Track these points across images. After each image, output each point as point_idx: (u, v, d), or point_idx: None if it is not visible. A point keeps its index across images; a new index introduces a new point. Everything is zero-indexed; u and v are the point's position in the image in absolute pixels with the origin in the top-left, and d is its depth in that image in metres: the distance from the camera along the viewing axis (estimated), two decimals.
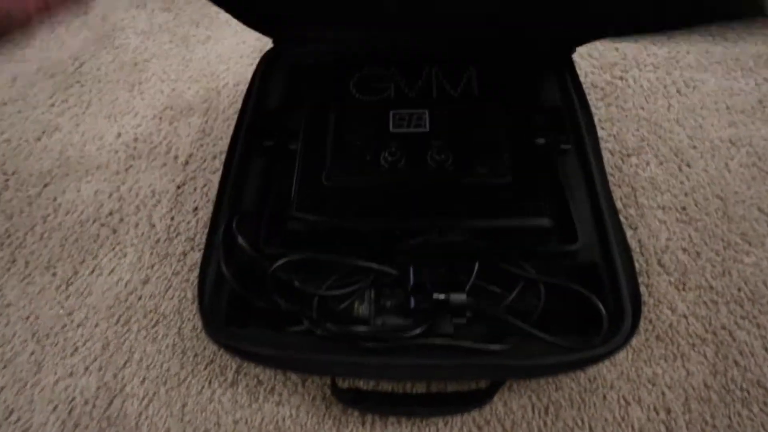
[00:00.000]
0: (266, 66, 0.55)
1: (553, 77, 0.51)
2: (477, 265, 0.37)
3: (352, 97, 0.48)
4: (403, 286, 0.35)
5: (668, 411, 0.37)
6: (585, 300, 0.36)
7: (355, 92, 0.49)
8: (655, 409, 0.38)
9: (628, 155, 0.51)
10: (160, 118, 0.59)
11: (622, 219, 0.42)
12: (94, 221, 0.50)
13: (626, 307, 0.35)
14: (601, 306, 0.35)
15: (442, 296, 0.33)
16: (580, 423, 0.37)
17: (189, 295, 0.45)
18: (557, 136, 0.45)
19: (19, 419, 0.39)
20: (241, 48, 0.65)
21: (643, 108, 0.55)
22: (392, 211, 0.40)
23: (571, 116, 0.48)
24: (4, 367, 0.42)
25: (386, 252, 0.36)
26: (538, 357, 0.33)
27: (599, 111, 0.55)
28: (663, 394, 0.38)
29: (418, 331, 0.33)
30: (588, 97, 0.54)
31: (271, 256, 0.37)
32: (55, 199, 0.53)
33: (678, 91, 0.56)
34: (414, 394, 0.39)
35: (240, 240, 0.38)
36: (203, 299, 0.37)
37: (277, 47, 0.58)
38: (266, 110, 0.51)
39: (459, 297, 0.33)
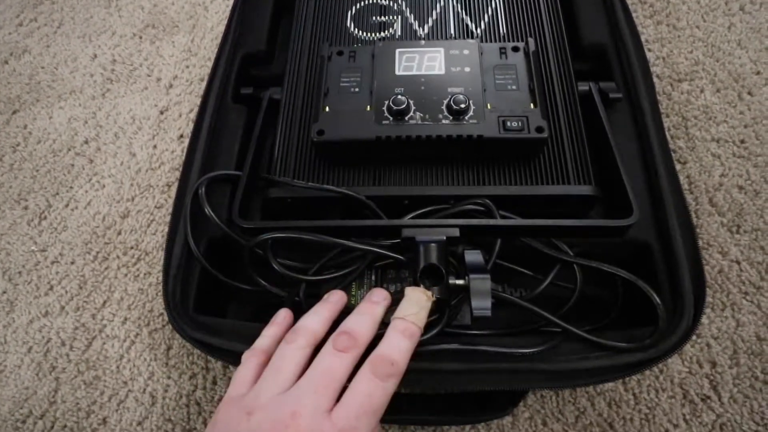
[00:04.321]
0: None
1: (599, 10, 0.42)
2: (499, 242, 0.30)
3: (349, 34, 0.40)
4: (411, 268, 0.28)
5: (713, 364, 0.33)
6: (633, 288, 0.29)
7: (352, 28, 0.41)
8: (698, 362, 0.33)
9: (679, 80, 0.44)
10: (141, 38, 0.52)
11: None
12: (68, 150, 0.45)
13: (686, 298, 0.29)
14: (654, 296, 0.28)
15: (460, 281, 0.26)
16: None
17: None
18: (604, 83, 0.37)
19: None
20: None
21: (698, 27, 0.47)
22: (398, 174, 0.33)
23: (620, 57, 0.39)
24: None
25: (390, 229, 0.29)
26: (575, 361, 0.27)
27: (647, 30, 0.47)
28: (708, 345, 0.34)
29: (430, 334, 0.26)
30: (634, 15, 0.47)
31: (248, 231, 0.30)
32: (25, 127, 0.47)
33: (741, 9, 0.48)
34: (422, 397, 0.32)
35: (207, 210, 0.31)
36: (168, 280, 0.31)
37: None
38: (246, 53, 0.42)
39: (482, 281, 0.25)
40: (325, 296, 0.28)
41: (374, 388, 0.22)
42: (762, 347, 0.33)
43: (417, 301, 0.25)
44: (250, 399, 0.22)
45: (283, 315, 0.28)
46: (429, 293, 0.26)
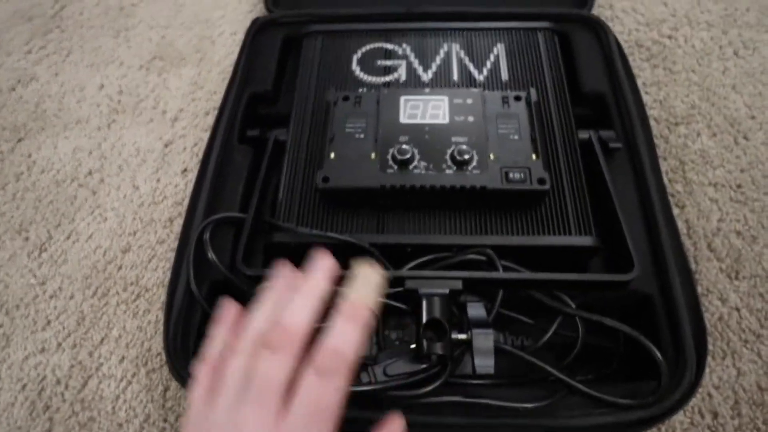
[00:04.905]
0: (256, 36, 0.46)
1: (598, 56, 0.42)
2: (501, 293, 0.29)
3: (355, 77, 0.40)
4: (413, 318, 0.28)
5: (715, 415, 0.32)
6: (635, 343, 0.29)
7: (358, 71, 0.40)
8: (699, 412, 0.32)
9: (676, 124, 0.44)
10: (148, 69, 0.51)
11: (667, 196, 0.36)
12: (71, 181, 0.44)
13: (688, 354, 0.28)
14: (657, 353, 0.28)
15: (463, 336, 0.26)
16: None
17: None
18: (604, 132, 0.37)
19: None
20: None
21: (694, 71, 0.47)
22: (401, 221, 0.32)
23: (619, 104, 0.39)
24: None
25: (394, 280, 0.28)
26: (577, 417, 0.26)
27: (644, 73, 0.47)
28: (709, 395, 0.33)
29: (431, 387, 0.26)
30: (631, 58, 0.47)
31: (251, 278, 0.30)
32: (29, 156, 0.46)
33: (735, 53, 0.48)
34: None
35: (211, 255, 0.31)
36: (169, 325, 0.30)
37: (271, 13, 0.49)
38: (253, 92, 0.42)
39: (485, 338, 0.25)
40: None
41: (322, 390, 0.19)
42: (763, 397, 0.32)
43: (365, 280, 0.22)
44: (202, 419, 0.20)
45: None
46: (380, 270, 0.22)
